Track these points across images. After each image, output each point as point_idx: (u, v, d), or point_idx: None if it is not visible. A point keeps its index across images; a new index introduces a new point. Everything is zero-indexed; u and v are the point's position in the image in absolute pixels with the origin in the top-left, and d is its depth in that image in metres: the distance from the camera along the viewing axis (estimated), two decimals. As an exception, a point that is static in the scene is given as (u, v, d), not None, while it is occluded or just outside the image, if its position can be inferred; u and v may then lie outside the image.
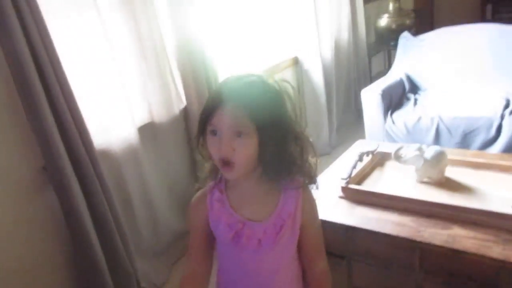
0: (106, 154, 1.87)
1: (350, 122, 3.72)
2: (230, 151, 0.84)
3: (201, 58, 2.19)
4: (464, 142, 2.37)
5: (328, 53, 3.23)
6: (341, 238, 1.55)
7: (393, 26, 3.81)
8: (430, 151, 1.63)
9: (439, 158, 1.62)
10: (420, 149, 1.65)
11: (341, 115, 3.64)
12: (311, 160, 0.94)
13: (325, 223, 1.55)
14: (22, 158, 1.62)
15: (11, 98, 1.54)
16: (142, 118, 2.04)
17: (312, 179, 0.95)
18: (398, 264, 1.45)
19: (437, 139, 2.44)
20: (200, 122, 0.89)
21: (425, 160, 1.61)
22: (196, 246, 1.00)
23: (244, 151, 0.84)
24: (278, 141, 0.86)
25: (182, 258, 2.26)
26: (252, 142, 0.84)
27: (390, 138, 2.60)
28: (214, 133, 0.85)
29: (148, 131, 2.05)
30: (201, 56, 2.18)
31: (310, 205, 0.96)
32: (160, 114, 2.07)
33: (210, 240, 0.99)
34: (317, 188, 0.99)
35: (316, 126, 3.25)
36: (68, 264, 1.80)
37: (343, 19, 3.44)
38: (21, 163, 1.62)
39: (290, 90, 0.92)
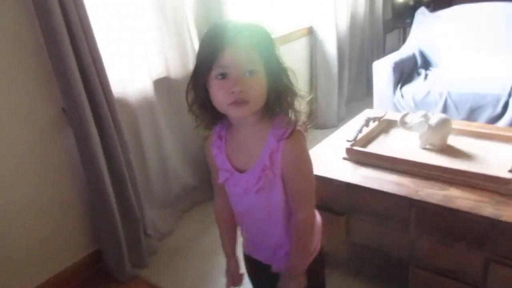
0: (123, 103, 1.94)
1: (360, 96, 3.75)
2: (246, 90, 0.83)
3: (218, 18, 2.22)
4: (471, 117, 2.41)
5: (344, 25, 3.25)
6: (342, 195, 1.63)
7: (411, 2, 3.79)
8: (435, 118, 1.68)
9: (443, 125, 1.67)
10: (425, 115, 1.70)
11: (352, 88, 3.68)
12: (301, 101, 0.94)
13: (327, 181, 1.64)
14: (43, 99, 1.70)
15: (35, 41, 1.60)
16: (158, 72, 2.10)
17: (305, 116, 0.95)
18: (394, 221, 1.53)
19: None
20: (200, 70, 0.86)
21: (429, 126, 1.66)
22: (217, 183, 1.05)
23: (258, 89, 0.85)
24: (279, 78, 0.88)
25: (189, 211, 2.37)
26: (263, 79, 0.86)
27: (398, 111, 2.64)
28: (222, 76, 0.83)
29: (163, 85, 2.12)
30: (219, 15, 2.21)
31: (292, 155, 0.92)
32: (175, 70, 2.13)
33: None
34: (313, 126, 1.01)
35: (326, 97, 3.30)
36: (81, 204, 1.90)
37: (360, -8, 3.44)
38: (42, 103, 1.70)
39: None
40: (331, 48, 3.16)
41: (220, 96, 0.85)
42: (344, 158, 1.74)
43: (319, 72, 3.26)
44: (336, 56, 3.17)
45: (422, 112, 1.72)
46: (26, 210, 1.71)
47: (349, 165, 1.70)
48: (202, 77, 0.86)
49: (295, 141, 0.92)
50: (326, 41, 3.15)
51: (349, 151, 1.72)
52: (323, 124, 3.29)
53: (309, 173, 0.99)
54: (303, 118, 0.94)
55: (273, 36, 0.90)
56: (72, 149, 1.77)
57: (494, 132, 1.71)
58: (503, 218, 1.27)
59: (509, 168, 1.40)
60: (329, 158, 1.76)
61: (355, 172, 1.64)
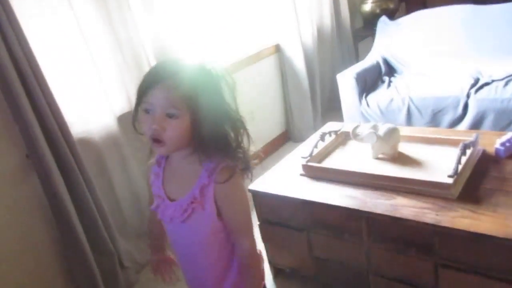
0: (87, 142, 2.00)
1: (337, 106, 3.80)
2: (161, 131, 0.88)
3: (178, 46, 2.30)
4: (434, 121, 2.46)
5: (309, 40, 3.32)
6: (299, 212, 1.67)
7: (377, 10, 3.85)
8: (383, 128, 1.73)
9: (391, 134, 1.72)
10: (374, 127, 1.75)
11: (327, 100, 3.74)
12: (246, 147, 0.98)
13: (283, 199, 1.69)
14: (8, 147, 1.75)
15: None
16: (121, 107, 2.16)
17: (245, 166, 0.98)
18: (349, 233, 1.57)
19: (408, 119, 2.53)
20: (136, 99, 0.93)
21: (378, 137, 1.71)
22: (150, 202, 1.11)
23: (174, 132, 0.89)
24: (212, 123, 0.91)
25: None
26: (183, 123, 0.89)
27: (366, 120, 2.69)
28: (147, 111, 0.90)
29: (127, 119, 2.16)
30: (179, 46, 2.29)
31: (224, 191, 0.96)
32: (138, 103, 2.19)
33: None
34: (250, 176, 1.02)
35: (300, 111, 3.36)
36: (54, 246, 1.94)
37: (324, 6, 3.52)
38: (7, 151, 1.75)
39: (229, 78, 0.96)
40: (299, 63, 3.23)
41: (143, 128, 0.93)
42: (301, 174, 1.78)
43: (290, 88, 3.33)
44: (305, 71, 3.24)
45: (371, 124, 1.77)
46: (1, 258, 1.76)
47: (306, 181, 1.74)
48: (136, 107, 0.94)
49: (228, 181, 0.95)
50: (294, 57, 3.22)
51: (304, 167, 1.77)
52: (300, 137, 3.33)
53: (243, 209, 1.02)
54: (240, 164, 0.97)
55: (218, 82, 0.92)
56: (40, 192, 1.82)
57: (441, 136, 1.75)
58: (443, 224, 1.31)
59: (449, 173, 1.44)
60: (287, 175, 1.81)
61: (311, 188, 1.69)
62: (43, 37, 1.81)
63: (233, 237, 1.03)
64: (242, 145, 0.97)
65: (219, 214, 0.99)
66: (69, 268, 1.97)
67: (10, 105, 1.64)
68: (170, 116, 0.88)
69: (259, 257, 1.08)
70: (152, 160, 1.09)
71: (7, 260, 1.78)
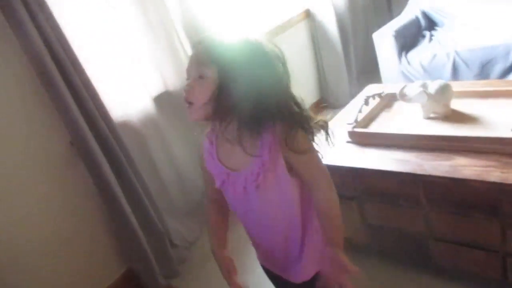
0: (127, 125, 2.00)
1: (372, 68, 3.65)
2: (190, 91, 0.90)
3: (208, 23, 2.24)
4: (483, 73, 2.30)
5: (341, 1, 3.16)
6: (350, 180, 1.61)
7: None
8: (433, 86, 1.62)
9: (443, 91, 1.61)
10: (424, 85, 1.64)
11: (362, 61, 3.59)
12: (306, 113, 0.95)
13: (333, 168, 1.62)
14: (53, 136, 1.77)
15: (35, 85, 1.67)
16: (156, 88, 2.14)
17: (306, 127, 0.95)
18: (405, 199, 1.50)
19: (454, 74, 2.38)
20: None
21: (429, 96, 1.61)
22: (207, 182, 1.08)
23: (201, 92, 0.89)
24: (246, 91, 0.87)
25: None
26: (210, 85, 0.88)
27: (407, 79, 2.56)
28: (187, 77, 0.94)
29: (164, 99, 2.15)
30: (205, 21, 2.23)
31: (292, 145, 0.92)
32: (173, 82, 2.16)
33: None
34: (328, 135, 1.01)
35: (335, 76, 3.25)
36: (107, 227, 1.98)
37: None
38: (52, 140, 1.78)
39: (279, 52, 0.93)
40: (331, 26, 3.10)
41: None
42: (348, 142, 1.71)
43: (323, 53, 3.21)
44: (337, 33, 3.11)
45: (420, 82, 1.67)
46: (53, 243, 1.80)
47: (354, 148, 1.68)
48: None
49: (288, 135, 0.92)
50: (325, 20, 3.09)
51: (351, 134, 1.70)
52: (336, 104, 3.23)
53: (311, 157, 0.98)
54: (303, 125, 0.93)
55: (264, 55, 0.90)
56: (86, 176, 1.84)
57: (499, 88, 1.63)
58: (510, 181, 1.22)
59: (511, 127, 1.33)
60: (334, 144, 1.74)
61: (360, 155, 1.62)
62: (79, 27, 1.80)
63: (309, 189, 0.99)
64: (293, 111, 0.93)
65: (290, 170, 0.96)
66: (122, 247, 2.01)
67: (52, 96, 1.65)
68: (200, 78, 0.90)
69: (337, 206, 1.02)
70: (204, 138, 1.05)
71: (64, 240, 1.84)
